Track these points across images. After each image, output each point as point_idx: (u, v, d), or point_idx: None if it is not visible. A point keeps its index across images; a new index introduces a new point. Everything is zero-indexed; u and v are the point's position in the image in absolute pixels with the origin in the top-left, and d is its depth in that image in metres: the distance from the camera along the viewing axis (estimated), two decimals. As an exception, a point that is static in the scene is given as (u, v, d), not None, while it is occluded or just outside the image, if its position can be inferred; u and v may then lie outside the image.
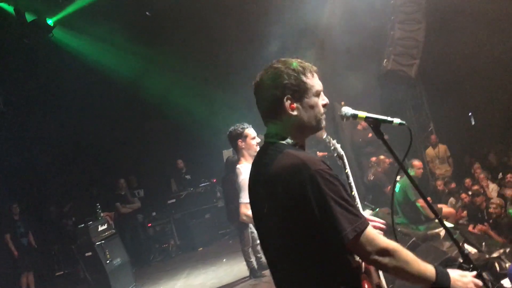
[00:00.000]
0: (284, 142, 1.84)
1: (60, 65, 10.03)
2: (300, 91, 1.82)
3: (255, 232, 5.51)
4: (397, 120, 1.98)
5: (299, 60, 1.89)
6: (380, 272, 2.22)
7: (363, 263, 1.87)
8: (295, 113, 1.82)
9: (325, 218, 1.64)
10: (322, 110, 1.88)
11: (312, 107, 1.85)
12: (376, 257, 1.67)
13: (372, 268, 1.98)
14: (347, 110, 1.98)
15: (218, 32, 10.31)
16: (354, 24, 9.22)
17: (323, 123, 1.90)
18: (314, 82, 1.87)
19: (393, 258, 1.68)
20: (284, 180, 1.71)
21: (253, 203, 1.98)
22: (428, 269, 1.74)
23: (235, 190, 4.46)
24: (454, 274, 1.81)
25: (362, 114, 2.00)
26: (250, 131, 4.42)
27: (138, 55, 10.66)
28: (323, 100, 1.89)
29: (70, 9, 9.60)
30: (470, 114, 14.35)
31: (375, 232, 1.71)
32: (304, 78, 1.83)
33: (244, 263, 6.84)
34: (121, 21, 9.72)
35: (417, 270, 1.72)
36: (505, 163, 9.54)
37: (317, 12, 9.52)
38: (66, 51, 10.21)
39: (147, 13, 9.66)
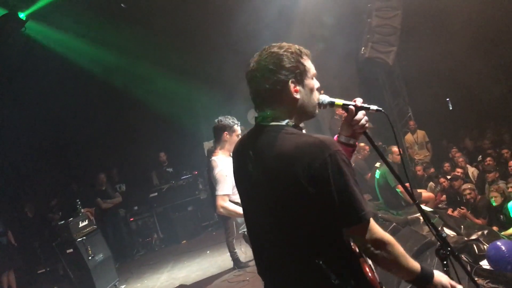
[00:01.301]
0: (282, 123, 1.81)
1: (35, 60, 9.80)
2: (301, 73, 1.83)
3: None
4: (374, 107, 1.99)
5: (292, 44, 1.88)
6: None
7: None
8: (298, 96, 1.82)
9: (345, 197, 1.64)
10: (317, 93, 1.90)
11: (312, 90, 1.87)
12: (372, 246, 1.69)
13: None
14: (324, 97, 1.97)
15: (197, 24, 10.20)
16: (332, 12, 9.22)
17: (317, 110, 1.91)
18: (310, 64, 1.89)
19: (387, 251, 1.71)
20: (303, 158, 1.66)
21: (242, 190, 1.95)
22: (415, 264, 1.77)
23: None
24: (437, 272, 1.84)
25: (339, 101, 1.99)
26: (238, 128, 4.43)
27: (115, 48, 10.47)
28: (316, 83, 1.91)
29: (43, 2, 9.36)
30: (447, 99, 14.58)
31: (376, 223, 1.73)
32: (302, 60, 1.84)
33: (228, 254, 6.85)
34: (97, 13, 9.54)
35: (406, 264, 1.75)
36: (480, 146, 9.71)
37: (295, 2, 9.49)
38: (40, 45, 9.97)
39: (122, 5, 9.47)
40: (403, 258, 1.74)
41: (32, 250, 9.75)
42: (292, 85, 1.80)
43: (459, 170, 8.15)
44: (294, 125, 1.83)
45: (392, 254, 1.71)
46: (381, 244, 1.70)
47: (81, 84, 10.58)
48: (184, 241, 10.41)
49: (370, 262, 1.82)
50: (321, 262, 1.68)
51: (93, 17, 9.56)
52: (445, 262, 1.98)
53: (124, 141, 11.73)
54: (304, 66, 1.84)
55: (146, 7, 10.00)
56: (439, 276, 1.82)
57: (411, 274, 1.76)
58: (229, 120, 4.40)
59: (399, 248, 1.74)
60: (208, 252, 8.76)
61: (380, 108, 1.99)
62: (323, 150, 1.66)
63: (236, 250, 6.75)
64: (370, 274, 1.77)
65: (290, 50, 1.83)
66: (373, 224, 1.70)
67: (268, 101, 1.85)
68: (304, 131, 1.83)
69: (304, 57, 1.86)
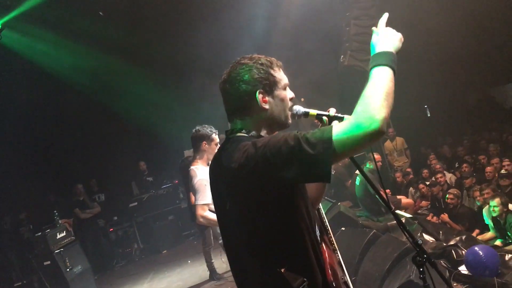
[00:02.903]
0: (246, 134, 1.82)
1: (11, 69, 9.64)
2: (270, 84, 1.83)
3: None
4: (348, 117, 1.99)
5: (264, 55, 1.90)
6: (344, 267, 2.23)
7: (327, 257, 1.86)
8: (266, 106, 1.83)
9: (275, 159, 1.56)
10: (289, 104, 1.90)
11: (282, 100, 1.87)
12: (367, 130, 1.50)
13: (335, 263, 1.97)
14: (298, 108, 1.97)
15: (175, 33, 10.19)
16: (311, 20, 9.31)
17: (290, 120, 1.92)
18: (281, 75, 1.89)
19: (381, 106, 1.54)
20: (234, 164, 1.67)
21: (215, 201, 1.96)
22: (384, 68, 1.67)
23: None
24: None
25: (313, 111, 2.00)
26: (217, 137, 4.41)
27: (93, 58, 10.35)
28: (290, 94, 1.92)
29: (19, 10, 9.22)
30: (425, 106, 14.82)
31: (338, 124, 1.59)
32: (272, 72, 1.85)
33: (212, 262, 6.79)
34: (74, 22, 9.43)
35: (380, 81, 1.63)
36: (457, 153, 9.86)
37: (274, 11, 9.55)
38: (16, 54, 9.80)
39: (100, 13, 9.39)
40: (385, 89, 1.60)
41: (8, 263, 9.52)
42: (260, 96, 1.81)
43: (439, 175, 8.25)
44: (259, 136, 1.83)
45: (377, 113, 1.52)
46: (368, 118, 1.51)
47: (58, 94, 10.43)
48: (165, 251, 10.30)
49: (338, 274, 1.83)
50: (282, 270, 1.68)
51: (71, 26, 9.44)
52: (421, 269, 1.99)
53: (103, 151, 11.58)
54: (274, 77, 1.85)
55: (125, 19, 9.94)
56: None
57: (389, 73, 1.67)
58: (207, 129, 4.37)
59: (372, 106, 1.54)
60: (189, 262, 8.68)
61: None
62: (246, 145, 1.68)
63: (213, 261, 6.71)
64: (331, 278, 1.79)
65: (259, 62, 1.85)
66: (337, 136, 1.52)
67: (237, 112, 1.87)
68: None
69: (275, 68, 1.88)
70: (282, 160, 1.56)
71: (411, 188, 8.83)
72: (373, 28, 1.83)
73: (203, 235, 6.57)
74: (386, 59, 1.69)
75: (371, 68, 1.67)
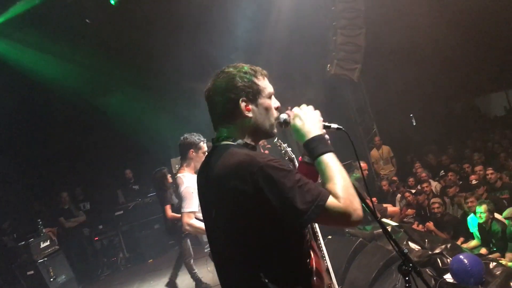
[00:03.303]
0: (233, 142, 1.83)
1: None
2: (254, 93, 1.84)
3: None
4: (334, 125, 1.99)
5: (248, 64, 1.91)
6: (332, 274, 2.23)
7: (314, 264, 1.86)
8: (250, 114, 1.84)
9: (283, 205, 1.62)
10: (275, 113, 1.91)
11: (266, 109, 1.88)
12: (344, 220, 1.68)
13: (323, 270, 1.97)
14: (283, 116, 1.98)
15: (161, 41, 10.16)
16: (299, 30, 9.38)
17: (275, 129, 1.93)
18: (266, 84, 1.90)
19: (356, 210, 1.68)
20: (231, 178, 1.68)
21: (202, 209, 1.97)
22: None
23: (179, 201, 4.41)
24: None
25: None
26: (204, 146, 4.39)
27: (78, 64, 10.29)
28: (275, 103, 1.93)
29: (5, 16, 9.14)
30: (411, 115, 14.99)
31: (334, 200, 1.67)
32: (256, 80, 1.86)
33: (195, 272, 6.73)
34: (60, 29, 9.37)
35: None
36: (441, 162, 9.96)
37: (263, 20, 9.61)
38: (1, 60, 9.70)
39: (86, 20, 9.34)
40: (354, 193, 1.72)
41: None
42: (243, 104, 1.83)
43: (425, 184, 8.32)
44: (246, 144, 1.85)
45: (359, 207, 1.69)
46: (347, 215, 1.65)
47: (42, 100, 10.33)
48: (151, 260, 10.19)
49: (325, 280, 1.82)
50: (267, 281, 1.68)
51: (58, 33, 9.38)
52: (407, 278, 1.99)
53: (88, 159, 11.47)
54: (258, 85, 1.86)
55: (110, 26, 9.90)
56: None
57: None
58: (195, 137, 4.36)
59: (355, 199, 1.70)
60: (175, 271, 8.58)
61: (341, 127, 2.01)
62: (250, 166, 1.66)
63: (195, 271, 6.65)
64: (317, 284, 1.79)
65: (243, 70, 1.86)
66: (332, 202, 1.65)
67: (222, 120, 1.89)
68: (262, 150, 1.85)
69: (259, 76, 1.89)
70: (278, 197, 1.63)
71: (398, 195, 8.89)
72: (289, 112, 1.93)
73: (181, 247, 6.52)
74: (326, 144, 1.82)
75: (320, 154, 1.77)
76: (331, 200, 1.65)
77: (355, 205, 1.67)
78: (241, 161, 1.69)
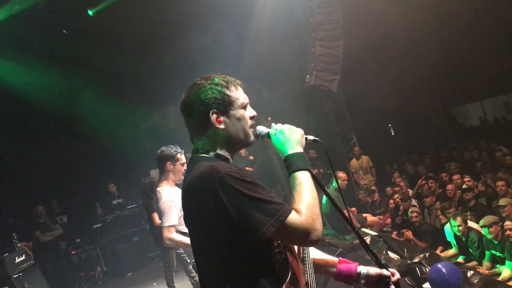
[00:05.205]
0: (205, 155, 1.83)
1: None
2: (225, 104, 1.83)
3: (185, 254, 5.38)
4: (310, 137, 2.00)
5: (222, 75, 1.90)
6: (311, 277, 2.19)
7: (290, 276, 1.82)
8: (222, 126, 1.83)
9: (243, 217, 1.62)
10: (249, 122, 1.90)
11: (239, 119, 1.86)
12: (302, 239, 1.69)
13: (300, 273, 1.93)
14: (261, 129, 1.97)
15: (140, 53, 10.12)
16: (278, 41, 9.45)
17: (252, 137, 1.91)
18: (239, 95, 1.88)
19: (316, 230, 1.67)
20: (195, 190, 1.70)
21: (185, 221, 1.93)
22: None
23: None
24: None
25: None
26: (182, 157, 4.36)
27: (55, 75, 10.14)
28: (250, 112, 1.91)
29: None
30: (390, 125, 15.19)
31: (296, 216, 1.67)
32: (227, 92, 1.85)
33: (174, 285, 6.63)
34: (38, 40, 9.24)
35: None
36: (418, 172, 10.09)
37: (243, 32, 9.66)
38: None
39: (64, 31, 9.24)
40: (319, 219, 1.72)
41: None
42: (214, 116, 1.82)
43: (399, 195, 8.41)
44: (218, 155, 1.84)
45: (319, 229, 1.68)
46: (306, 233, 1.65)
47: (19, 112, 10.14)
48: (130, 274, 10.02)
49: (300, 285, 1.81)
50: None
51: (34, 44, 9.24)
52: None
53: (65, 171, 11.25)
54: (229, 96, 1.85)
55: (89, 37, 9.82)
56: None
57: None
58: (172, 149, 4.33)
59: (318, 220, 1.69)
60: (154, 284, 8.49)
61: (317, 138, 2.01)
62: (211, 175, 1.66)
63: (174, 284, 6.56)
64: None
65: (214, 82, 1.85)
66: (294, 219, 1.65)
67: (195, 132, 1.89)
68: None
69: (232, 87, 1.87)
70: (236, 207, 1.63)
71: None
72: (274, 126, 1.95)
73: (166, 258, 6.43)
74: (304, 162, 1.84)
75: (296, 170, 1.80)
76: (292, 217, 1.65)
77: (316, 226, 1.67)
78: (202, 172, 1.69)
